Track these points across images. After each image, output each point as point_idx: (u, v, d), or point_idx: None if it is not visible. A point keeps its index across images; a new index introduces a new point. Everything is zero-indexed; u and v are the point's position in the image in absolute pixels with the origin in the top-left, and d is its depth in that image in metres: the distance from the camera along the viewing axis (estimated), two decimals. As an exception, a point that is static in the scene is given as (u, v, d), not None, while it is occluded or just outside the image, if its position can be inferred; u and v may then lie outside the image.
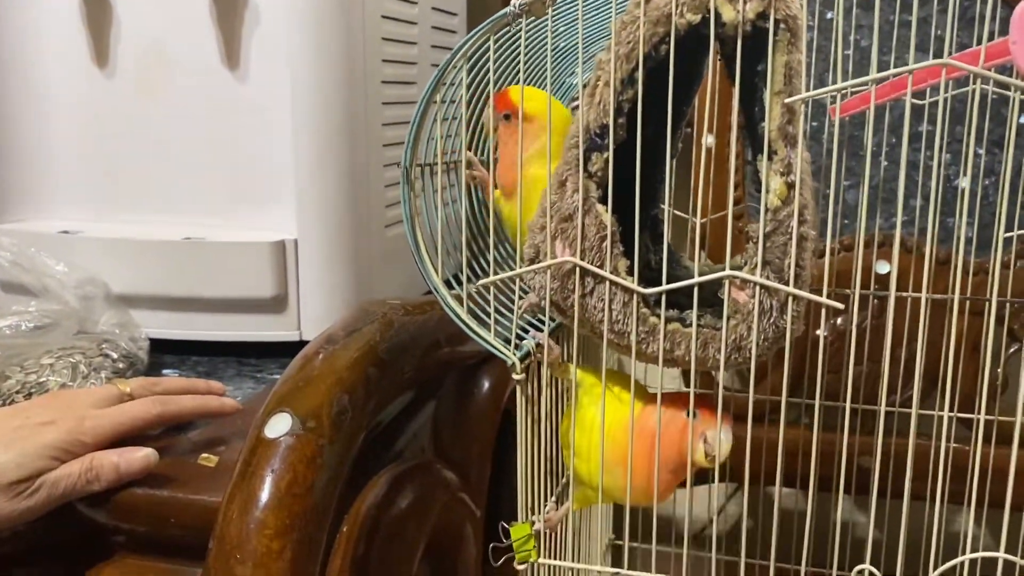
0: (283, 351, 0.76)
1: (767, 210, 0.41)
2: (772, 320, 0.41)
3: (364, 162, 0.77)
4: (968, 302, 0.88)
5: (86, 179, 0.79)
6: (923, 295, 0.58)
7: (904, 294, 0.81)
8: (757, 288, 0.41)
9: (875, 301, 0.91)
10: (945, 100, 0.67)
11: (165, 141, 0.77)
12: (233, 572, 0.43)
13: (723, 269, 0.43)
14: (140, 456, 0.52)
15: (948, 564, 0.40)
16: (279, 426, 0.46)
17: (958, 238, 0.90)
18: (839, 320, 0.94)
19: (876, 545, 0.47)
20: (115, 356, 0.68)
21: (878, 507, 0.55)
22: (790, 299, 0.41)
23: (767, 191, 0.41)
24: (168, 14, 0.75)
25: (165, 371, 0.75)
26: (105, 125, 0.78)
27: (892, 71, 0.38)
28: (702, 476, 0.77)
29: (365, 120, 0.77)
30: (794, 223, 0.40)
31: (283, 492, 0.44)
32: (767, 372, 0.88)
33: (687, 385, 0.79)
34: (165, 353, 0.77)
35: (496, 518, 0.81)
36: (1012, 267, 0.88)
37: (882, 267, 0.92)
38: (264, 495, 0.44)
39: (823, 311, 0.40)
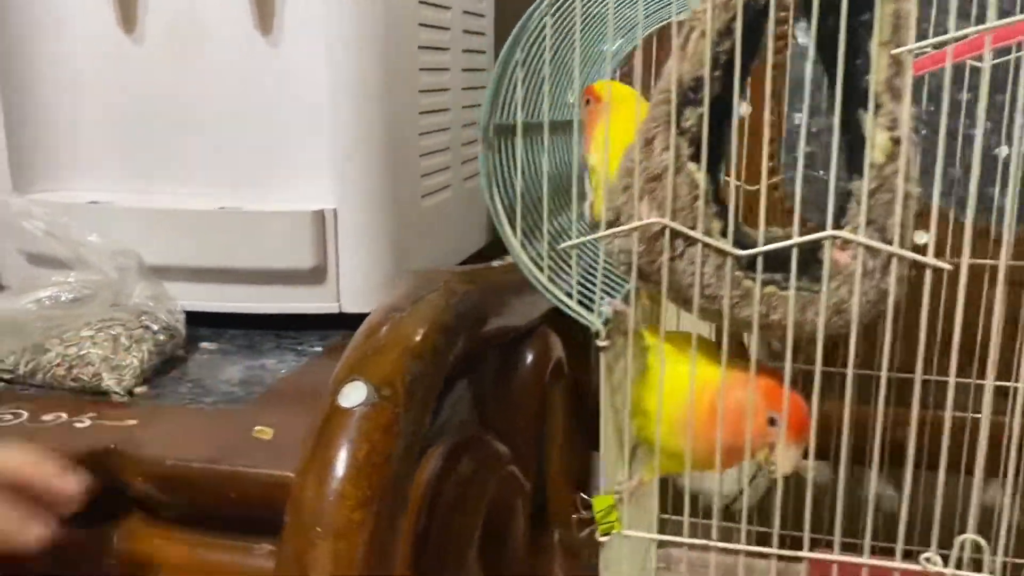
0: (322, 323, 0.75)
1: (871, 166, 0.39)
2: (875, 282, 0.40)
3: (401, 129, 0.75)
4: (1008, 273, 0.86)
5: (116, 148, 0.77)
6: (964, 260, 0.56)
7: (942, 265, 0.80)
8: (860, 249, 0.40)
9: (913, 272, 0.90)
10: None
11: (198, 109, 0.75)
12: (314, 546, 0.41)
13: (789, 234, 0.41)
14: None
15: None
16: (354, 395, 0.45)
17: (994, 209, 0.89)
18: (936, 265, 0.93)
19: (910, 519, 0.46)
20: (155, 328, 0.66)
21: (912, 480, 0.54)
22: (894, 260, 0.40)
23: (872, 146, 0.39)
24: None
25: (203, 344, 0.73)
26: (135, 93, 0.76)
27: (1010, 19, 0.37)
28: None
29: (402, 87, 0.75)
30: (900, 180, 0.39)
31: (361, 462, 0.43)
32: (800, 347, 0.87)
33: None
34: (201, 326, 0.75)
35: (535, 492, 0.80)
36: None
37: (920, 237, 0.91)
38: (342, 466, 0.43)
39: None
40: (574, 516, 0.44)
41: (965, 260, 0.44)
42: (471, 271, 0.61)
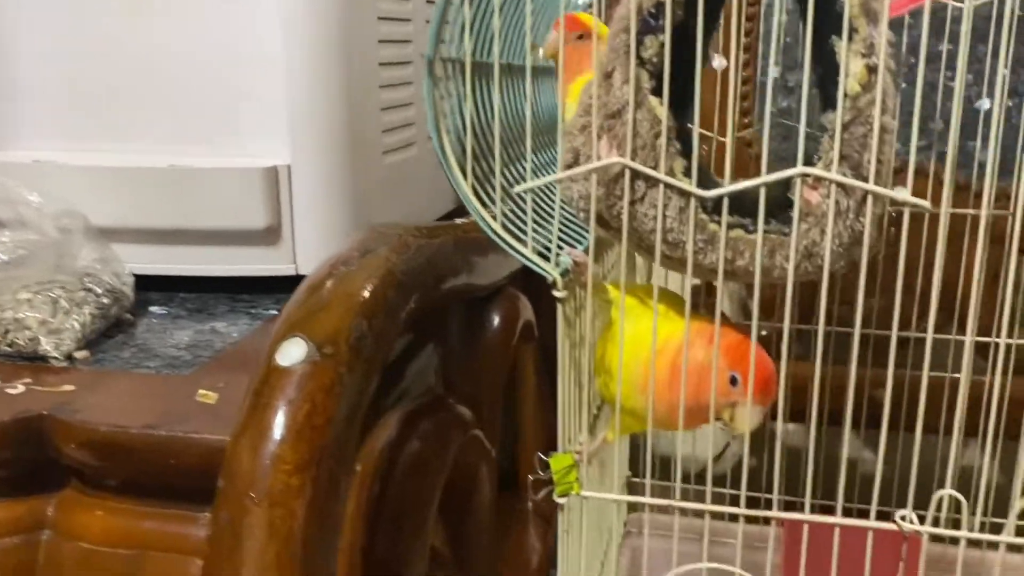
0: (278, 286, 0.71)
1: (845, 96, 0.36)
2: (848, 222, 0.37)
3: (360, 83, 0.72)
4: (988, 229, 0.84)
5: (60, 105, 0.72)
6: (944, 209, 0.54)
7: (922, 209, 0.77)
8: (832, 186, 0.37)
9: (891, 230, 0.87)
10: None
11: (146, 63, 0.71)
12: (248, 513, 0.38)
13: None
14: None
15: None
16: (293, 353, 0.41)
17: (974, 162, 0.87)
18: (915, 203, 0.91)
19: (886, 481, 0.43)
20: (99, 291, 0.63)
21: (872, 439, 0.52)
22: (869, 198, 0.37)
23: (846, 75, 0.36)
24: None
25: (152, 308, 0.69)
26: (80, 47, 0.71)
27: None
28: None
29: (359, 37, 0.72)
30: (876, 112, 0.36)
31: (301, 424, 0.40)
32: (775, 305, 0.84)
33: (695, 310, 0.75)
34: (153, 290, 0.72)
35: (503, 459, 0.78)
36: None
37: (899, 193, 0.89)
38: (279, 428, 0.40)
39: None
40: (531, 477, 0.41)
41: (945, 208, 0.42)
42: (430, 226, 0.58)
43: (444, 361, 0.69)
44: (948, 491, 0.38)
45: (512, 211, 0.44)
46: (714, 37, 0.52)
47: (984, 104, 0.89)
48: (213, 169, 0.68)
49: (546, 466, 0.42)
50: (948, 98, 0.88)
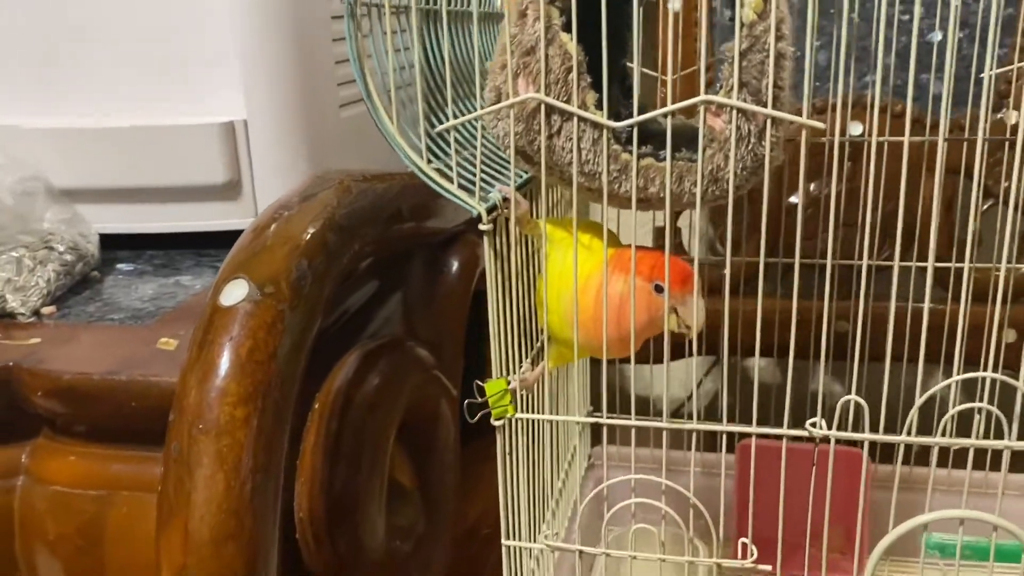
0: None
1: (742, 25, 0.38)
2: (750, 147, 0.39)
3: (311, 36, 0.73)
4: (943, 161, 0.86)
5: (15, 68, 0.74)
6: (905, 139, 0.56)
7: (892, 139, 0.79)
8: (734, 112, 0.38)
9: (849, 164, 0.89)
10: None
11: (102, 23, 0.72)
12: (196, 442, 0.41)
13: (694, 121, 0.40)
14: None
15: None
16: (235, 293, 0.44)
17: (929, 95, 0.88)
18: (812, 186, 0.93)
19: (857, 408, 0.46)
20: (61, 248, 0.64)
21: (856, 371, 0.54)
22: (768, 122, 0.39)
23: (742, 4, 0.38)
24: None
25: (119, 265, 0.71)
26: (37, 8, 0.72)
27: None
28: (679, 351, 0.76)
29: (310, -10, 0.73)
30: (771, 39, 0.38)
31: (244, 359, 0.42)
32: (741, 241, 0.86)
33: (660, 245, 0.77)
34: (119, 249, 0.74)
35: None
36: (986, 116, 0.86)
37: (855, 128, 0.90)
38: (224, 363, 0.42)
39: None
40: (466, 401, 0.44)
41: (906, 140, 0.43)
42: (377, 172, 0.60)
43: (405, 306, 0.71)
44: (853, 397, 0.40)
45: (445, 151, 0.46)
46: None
47: (936, 36, 0.90)
48: (171, 127, 0.70)
49: (483, 391, 0.44)
50: (901, 32, 0.89)
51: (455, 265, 0.73)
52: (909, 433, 0.40)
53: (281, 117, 0.71)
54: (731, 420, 0.44)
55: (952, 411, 0.39)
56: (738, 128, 0.39)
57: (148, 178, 0.71)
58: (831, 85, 0.88)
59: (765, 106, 0.38)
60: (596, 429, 0.83)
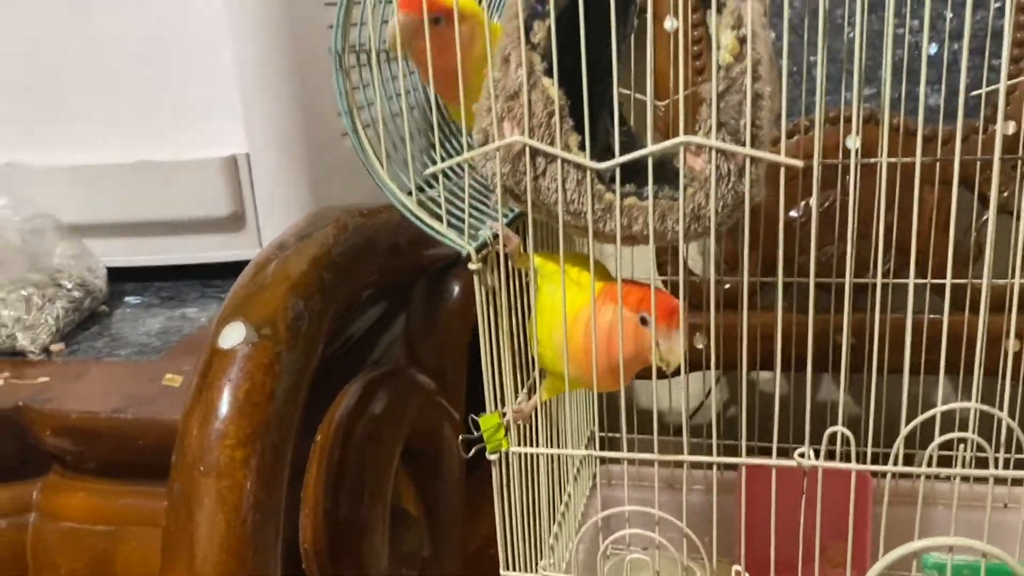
0: (246, 269, 0.74)
1: (719, 67, 0.39)
2: (731, 185, 0.40)
3: (312, 67, 0.74)
4: (938, 172, 0.86)
5: (21, 105, 0.75)
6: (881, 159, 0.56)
7: (871, 160, 0.80)
8: (713, 152, 0.39)
9: (846, 177, 0.89)
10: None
11: (104, 61, 0.73)
12: (197, 484, 0.42)
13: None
14: None
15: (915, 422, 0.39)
16: (233, 335, 0.45)
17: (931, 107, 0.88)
18: (811, 200, 0.93)
19: (856, 420, 0.46)
20: (69, 286, 0.66)
21: (857, 383, 0.55)
22: (748, 161, 0.39)
23: (718, 47, 0.38)
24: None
25: (127, 299, 0.73)
26: (36, 49, 0.74)
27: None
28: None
29: (308, 23, 0.74)
30: (747, 80, 0.38)
31: (242, 401, 0.43)
32: (738, 258, 0.87)
33: (661, 271, 0.78)
34: (127, 281, 0.75)
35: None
36: (981, 132, 0.86)
37: (850, 141, 0.91)
38: (223, 406, 0.43)
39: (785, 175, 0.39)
40: (460, 437, 0.45)
41: (884, 159, 0.44)
42: (375, 207, 0.61)
43: (408, 331, 0.72)
44: (840, 428, 0.41)
45: (434, 187, 0.47)
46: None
47: (931, 49, 0.91)
48: (175, 162, 0.71)
49: (477, 426, 0.45)
50: (897, 45, 0.90)
51: (456, 290, 0.74)
52: (896, 462, 0.41)
53: (282, 149, 0.72)
54: (731, 437, 0.45)
55: (937, 440, 0.40)
56: (718, 168, 0.40)
57: (154, 212, 0.72)
58: (811, 102, 0.89)
59: (744, 145, 0.39)
60: (599, 441, 0.84)
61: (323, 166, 0.75)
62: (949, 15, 0.87)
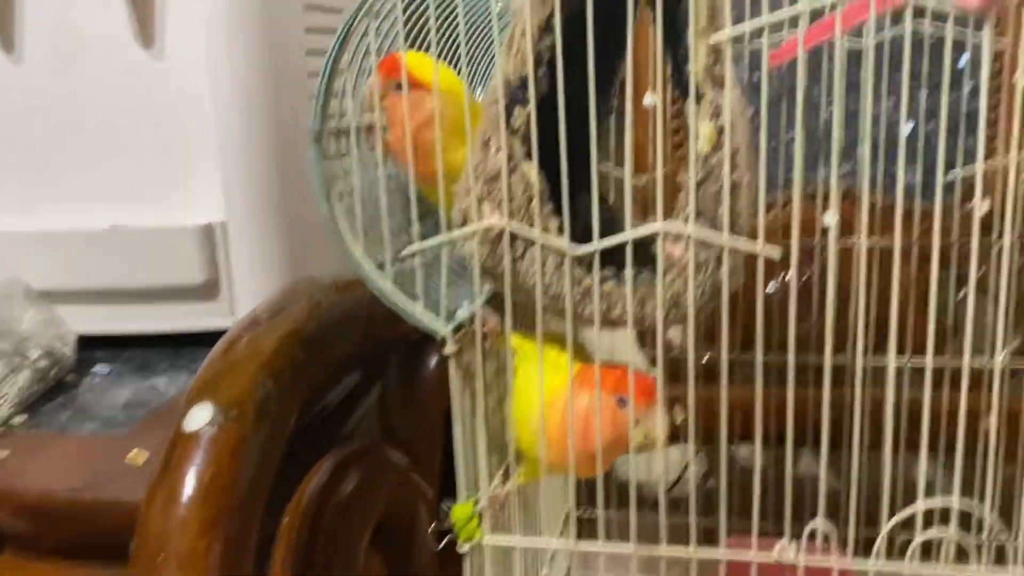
0: (219, 340, 0.73)
1: (697, 157, 0.39)
2: (709, 274, 0.40)
3: (291, 137, 0.74)
4: (917, 249, 0.87)
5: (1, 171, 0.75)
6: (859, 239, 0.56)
7: (849, 241, 0.80)
8: (691, 241, 0.39)
9: (823, 254, 0.90)
10: (879, 43, 0.65)
11: (81, 125, 0.73)
12: (160, 573, 0.40)
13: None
14: None
15: (903, 514, 0.39)
16: (200, 417, 0.43)
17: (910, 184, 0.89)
18: (788, 275, 0.93)
19: (836, 497, 0.45)
20: (35, 355, 0.64)
21: (840, 460, 0.54)
22: (726, 251, 0.39)
23: (696, 137, 0.38)
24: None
25: (96, 367, 0.71)
26: (17, 113, 0.74)
27: (821, 2, 0.36)
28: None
29: (289, 93, 0.74)
30: (725, 170, 0.38)
31: (207, 487, 0.42)
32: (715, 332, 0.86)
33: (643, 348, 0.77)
34: (96, 349, 0.73)
35: (453, 498, 0.79)
36: (956, 210, 0.87)
37: (826, 218, 0.91)
38: (187, 491, 0.42)
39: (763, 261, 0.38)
40: (431, 527, 0.43)
41: (863, 240, 0.44)
42: (350, 279, 0.60)
43: (382, 402, 0.71)
44: (819, 522, 0.40)
45: (412, 270, 0.46)
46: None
47: (907, 127, 0.92)
48: (149, 229, 0.71)
49: (448, 515, 0.44)
50: (873, 123, 0.91)
51: (432, 362, 0.73)
52: (878, 556, 0.40)
53: (259, 218, 0.72)
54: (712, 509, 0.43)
55: (918, 539, 0.39)
56: (696, 256, 0.39)
57: (126, 279, 0.71)
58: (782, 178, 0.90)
59: (722, 235, 0.39)
60: (577, 520, 0.82)
61: (300, 236, 0.75)
62: (923, 94, 0.88)
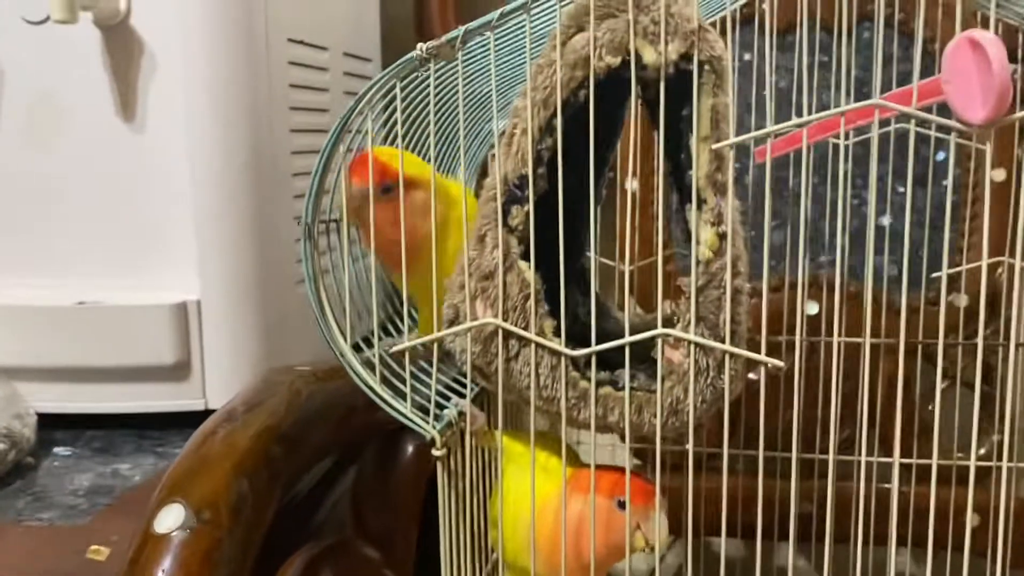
0: (188, 421, 0.70)
1: (698, 263, 0.38)
2: (709, 380, 0.38)
3: (271, 215, 0.73)
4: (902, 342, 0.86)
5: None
6: (836, 339, 0.56)
7: (833, 339, 0.80)
8: (692, 347, 0.38)
9: (806, 343, 0.90)
10: (868, 139, 0.66)
11: (55, 197, 0.71)
12: None
13: (655, 321, 0.40)
14: None
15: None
16: (170, 519, 0.41)
17: (883, 277, 0.90)
18: (770, 365, 0.93)
19: None
20: (-7, 438, 0.61)
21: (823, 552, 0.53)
22: (727, 357, 0.38)
23: (697, 242, 0.38)
24: (58, 63, 0.70)
25: (56, 449, 0.68)
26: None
27: (825, 113, 0.36)
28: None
29: (271, 171, 0.73)
30: (727, 276, 0.38)
31: (175, 595, 0.39)
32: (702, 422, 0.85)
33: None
34: (57, 429, 0.70)
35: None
36: (942, 304, 0.87)
37: (811, 308, 0.91)
38: (153, 600, 0.39)
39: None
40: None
41: (836, 338, 0.43)
42: (336, 366, 0.58)
43: (356, 492, 0.68)
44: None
45: (400, 366, 0.44)
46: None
47: (886, 220, 0.93)
48: (120, 307, 0.68)
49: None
50: (854, 215, 0.92)
51: (409, 451, 0.71)
52: None
53: (236, 297, 0.70)
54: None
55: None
56: (696, 362, 0.38)
57: (92, 358, 0.69)
58: (787, 263, 0.90)
59: (723, 340, 0.38)
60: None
61: (276, 315, 0.73)
62: (905, 189, 0.89)
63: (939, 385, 0.83)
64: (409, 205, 0.42)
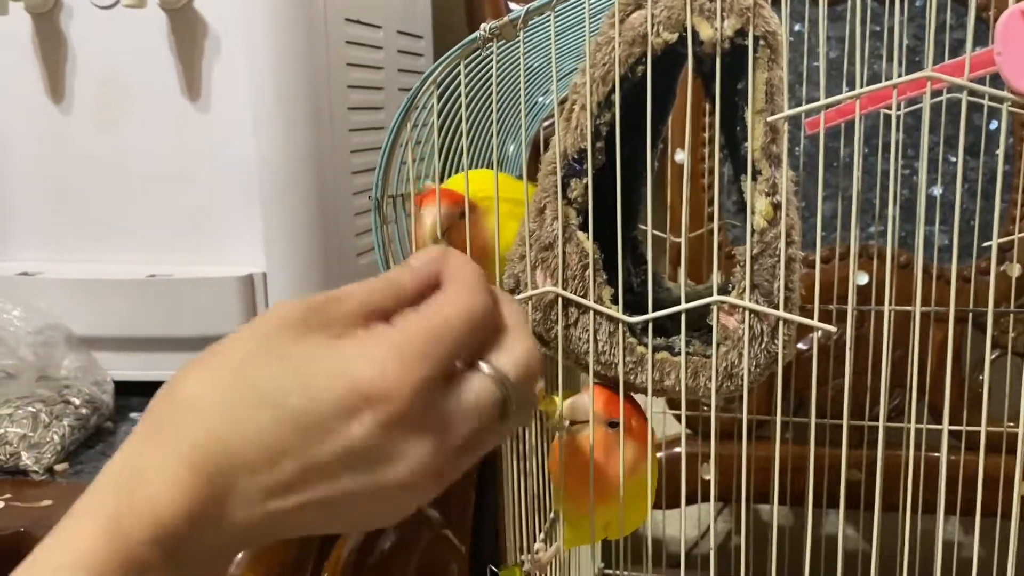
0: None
1: (753, 232, 0.39)
2: (763, 345, 0.40)
3: (332, 191, 0.75)
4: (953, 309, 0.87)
5: (45, 218, 0.76)
6: (887, 307, 0.57)
7: (884, 307, 0.81)
8: (747, 313, 0.39)
9: (856, 312, 0.90)
10: (919, 109, 0.66)
11: (126, 175, 0.74)
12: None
13: (707, 290, 0.41)
14: None
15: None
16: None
17: (933, 246, 0.90)
18: (819, 333, 0.94)
19: (866, 557, 0.45)
20: (77, 402, 0.65)
21: (871, 520, 0.54)
22: (781, 323, 0.40)
23: (752, 212, 0.39)
24: (126, 45, 0.73)
25: (132, 414, 0.72)
26: (63, 161, 0.75)
27: (878, 85, 0.37)
28: (691, 497, 0.76)
29: (332, 148, 0.75)
30: (782, 244, 0.39)
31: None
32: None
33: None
34: (132, 395, 0.74)
35: (476, 556, 0.79)
36: (993, 273, 0.87)
37: (861, 278, 0.92)
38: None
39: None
40: (481, 590, 0.43)
41: (887, 307, 0.44)
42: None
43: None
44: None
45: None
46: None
47: (936, 190, 0.93)
48: (190, 279, 0.72)
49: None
50: (904, 185, 0.92)
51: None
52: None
53: (300, 270, 0.73)
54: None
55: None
56: (751, 328, 0.40)
57: (165, 328, 0.72)
58: (838, 234, 0.91)
59: (776, 307, 0.39)
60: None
61: (339, 285, 0.76)
62: (956, 159, 0.89)
63: (989, 355, 0.83)
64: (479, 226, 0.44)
